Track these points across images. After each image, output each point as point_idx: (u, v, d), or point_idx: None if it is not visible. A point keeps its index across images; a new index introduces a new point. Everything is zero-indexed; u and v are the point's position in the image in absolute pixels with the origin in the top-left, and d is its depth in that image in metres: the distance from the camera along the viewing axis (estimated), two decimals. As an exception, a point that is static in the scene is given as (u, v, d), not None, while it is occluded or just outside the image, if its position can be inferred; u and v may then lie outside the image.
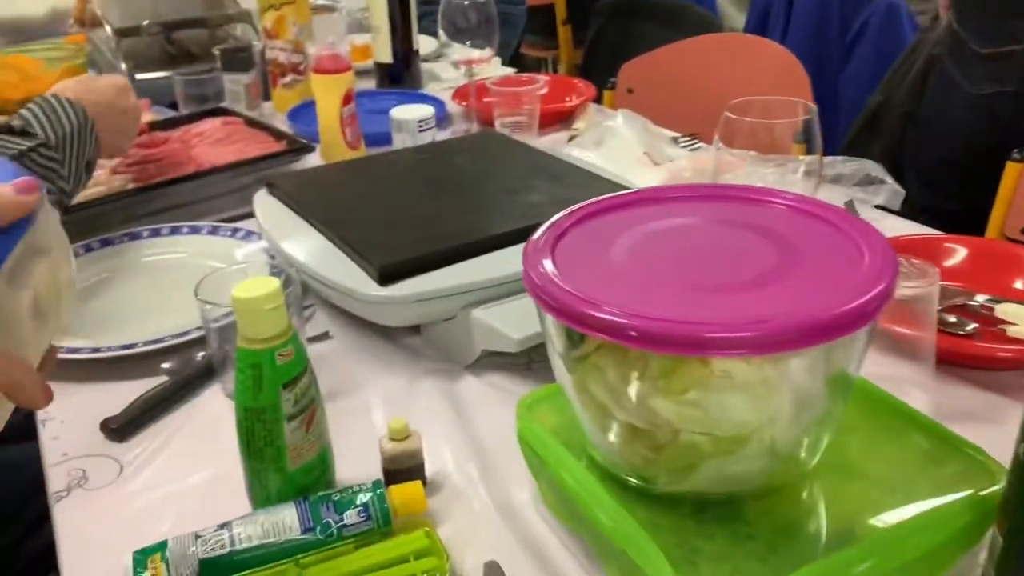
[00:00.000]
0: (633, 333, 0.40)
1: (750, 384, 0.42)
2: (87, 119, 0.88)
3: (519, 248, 0.80)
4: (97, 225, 0.99)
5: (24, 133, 0.80)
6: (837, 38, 2.19)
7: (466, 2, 1.25)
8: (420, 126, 1.14)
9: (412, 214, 0.83)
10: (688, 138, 1.23)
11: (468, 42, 1.28)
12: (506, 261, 0.75)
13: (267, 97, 1.47)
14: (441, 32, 1.29)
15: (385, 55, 1.52)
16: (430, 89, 1.56)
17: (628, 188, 0.85)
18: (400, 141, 1.15)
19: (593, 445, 0.50)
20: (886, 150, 1.63)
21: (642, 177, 0.97)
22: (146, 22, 1.45)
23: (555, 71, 3.91)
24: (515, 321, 0.70)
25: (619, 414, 0.45)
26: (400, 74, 1.54)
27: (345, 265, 0.75)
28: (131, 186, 1.03)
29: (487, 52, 1.28)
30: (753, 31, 2.38)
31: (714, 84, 1.56)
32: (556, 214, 0.79)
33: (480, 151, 0.99)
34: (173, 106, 1.43)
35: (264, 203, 0.89)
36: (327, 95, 1.18)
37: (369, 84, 1.56)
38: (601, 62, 2.23)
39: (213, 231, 0.98)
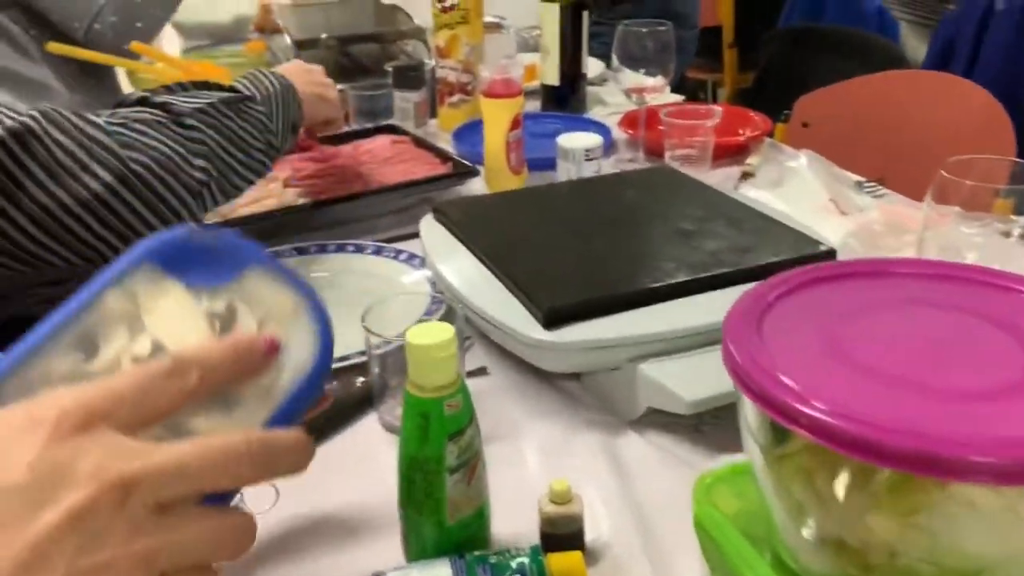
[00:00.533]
0: (858, 442, 0.35)
1: (993, 512, 0.36)
2: (288, 83, 0.92)
3: (694, 299, 0.76)
4: (267, 237, 1.02)
5: (232, 90, 0.84)
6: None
7: (644, 29, 1.21)
8: (587, 155, 1.11)
9: (580, 252, 0.80)
10: (873, 184, 1.14)
11: (642, 70, 1.24)
12: (680, 313, 0.70)
13: (434, 114, 1.48)
14: (614, 58, 1.26)
15: (552, 77, 1.50)
16: (595, 113, 1.53)
17: (818, 241, 0.79)
18: (565, 170, 1.12)
19: (784, 545, 0.45)
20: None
21: (828, 227, 0.89)
22: (324, 35, 1.49)
23: (715, 95, 3.81)
24: (687, 380, 0.65)
25: (825, 524, 0.40)
26: (566, 97, 1.52)
27: (509, 303, 0.73)
28: (301, 200, 1.05)
29: (660, 81, 1.24)
30: (934, 63, 2.22)
31: (900, 124, 1.45)
32: (737, 263, 0.75)
33: (652, 187, 0.95)
34: (344, 118, 1.46)
35: (430, 229, 0.88)
36: (495, 119, 1.16)
37: (533, 105, 1.54)
38: (772, 91, 2.14)
39: (377, 251, 0.98)
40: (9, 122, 0.62)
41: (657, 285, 0.72)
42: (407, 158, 1.17)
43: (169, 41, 2.01)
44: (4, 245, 0.63)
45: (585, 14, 1.48)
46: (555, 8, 1.45)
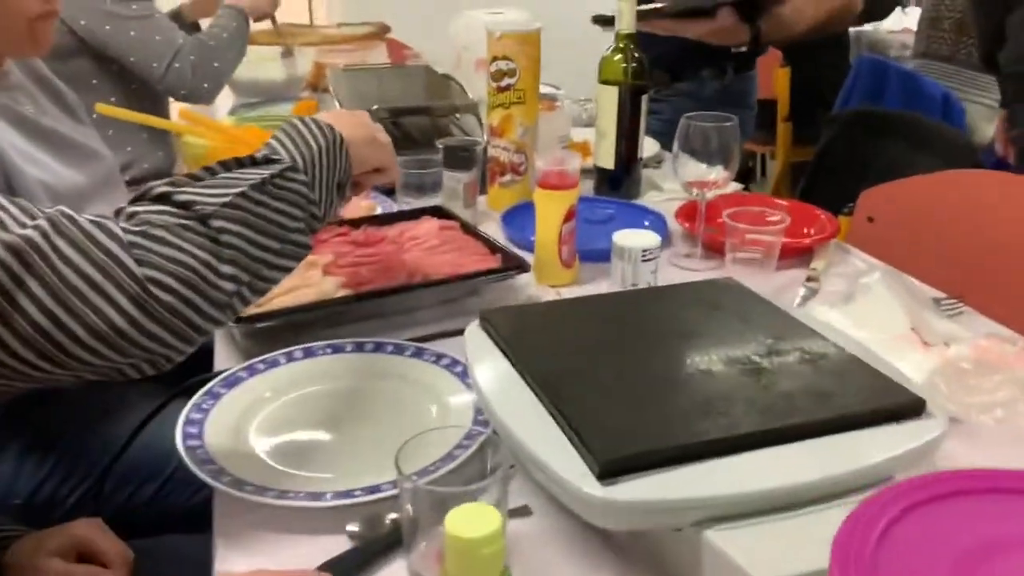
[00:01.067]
0: None
1: None
2: (335, 135, 0.81)
3: (769, 453, 0.69)
4: (303, 330, 0.96)
5: (268, 161, 0.75)
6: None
7: (709, 124, 1.15)
8: (644, 255, 1.05)
9: (640, 386, 0.73)
10: (952, 301, 1.06)
11: (704, 164, 1.18)
12: (754, 469, 0.62)
13: (483, 191, 1.43)
14: (675, 147, 1.19)
15: (607, 161, 1.45)
16: (650, 199, 1.47)
17: (906, 388, 0.71)
18: (620, 269, 1.06)
19: None
20: None
21: (910, 361, 0.82)
22: (375, 107, 1.45)
23: (764, 167, 3.74)
24: (761, 553, 0.57)
25: None
26: (620, 180, 1.46)
27: (559, 444, 0.66)
28: (341, 291, 1.00)
29: (723, 175, 1.17)
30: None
31: (976, 228, 1.37)
32: (816, 412, 0.65)
33: (717, 304, 0.87)
34: (390, 191, 1.41)
35: (476, 341, 0.82)
36: (549, 210, 1.11)
37: (585, 186, 1.48)
38: (831, 176, 2.07)
39: (418, 353, 0.92)
40: (9, 237, 0.56)
41: (727, 435, 0.65)
42: (454, 246, 1.11)
43: (220, 98, 2.00)
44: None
45: (644, 98, 1.42)
46: (613, 91, 1.40)
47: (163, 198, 0.67)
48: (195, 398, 0.83)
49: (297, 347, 0.92)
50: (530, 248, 1.25)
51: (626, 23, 1.38)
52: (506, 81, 1.35)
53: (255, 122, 1.67)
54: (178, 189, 0.67)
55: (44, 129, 1.13)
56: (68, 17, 1.73)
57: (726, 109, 1.96)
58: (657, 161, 1.64)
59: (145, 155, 1.90)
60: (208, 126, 1.47)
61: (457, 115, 1.60)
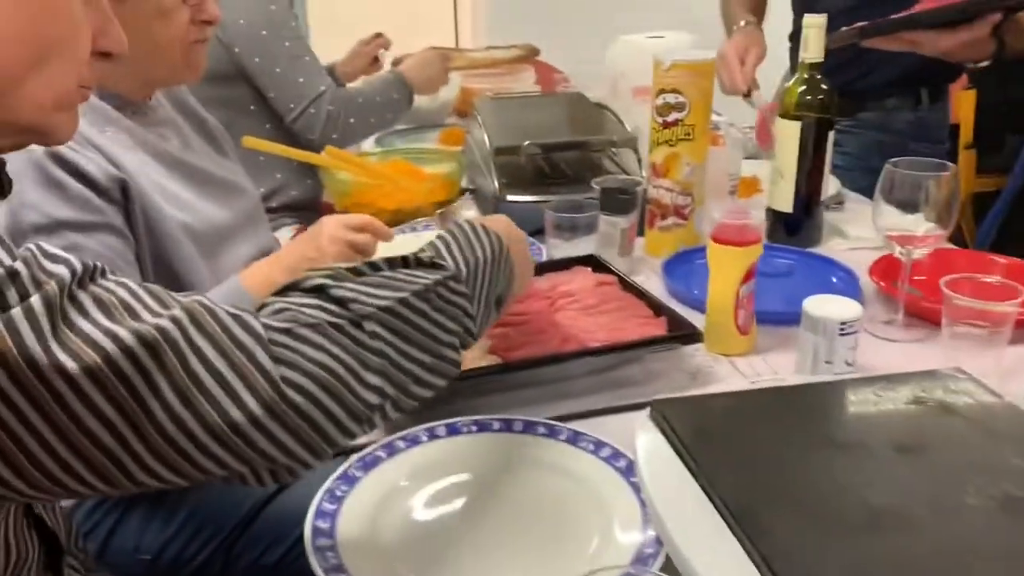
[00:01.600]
0: None
1: None
2: (502, 248, 0.75)
3: None
4: (445, 399, 0.86)
5: (433, 265, 0.67)
6: None
7: (921, 173, 0.97)
8: (842, 329, 0.88)
9: (857, 517, 0.58)
10: None
11: (909, 215, 1.01)
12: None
13: (639, 232, 1.29)
14: (877, 194, 1.02)
15: (785, 203, 1.28)
16: (832, 247, 1.29)
17: None
18: (811, 345, 0.90)
19: None
20: None
21: None
22: (526, 142, 1.35)
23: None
24: None
25: None
26: (799, 225, 1.29)
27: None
28: (488, 358, 0.89)
29: (936, 233, 0.99)
30: None
31: None
32: None
33: (948, 408, 0.71)
34: (538, 232, 1.30)
35: (648, 441, 0.69)
36: (725, 269, 0.96)
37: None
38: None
39: (573, 439, 0.80)
40: (141, 327, 0.48)
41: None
42: (612, 307, 0.99)
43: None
44: (114, 474, 0.49)
45: (831, 134, 1.26)
46: (795, 126, 1.24)
47: (319, 290, 0.59)
48: (329, 483, 0.74)
49: (440, 423, 0.82)
50: (695, 305, 1.11)
51: (813, 51, 1.22)
52: (673, 116, 1.21)
53: (401, 155, 1.60)
54: (337, 283, 0.60)
55: (189, 166, 1.08)
56: (227, 42, 1.72)
57: (918, 143, 1.77)
58: (838, 202, 1.45)
59: (293, 183, 1.87)
60: (353, 163, 1.41)
61: (614, 150, 1.48)
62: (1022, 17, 1.31)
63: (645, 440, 0.69)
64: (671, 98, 1.21)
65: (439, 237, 0.72)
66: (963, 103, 2.76)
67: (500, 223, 0.79)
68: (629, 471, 0.74)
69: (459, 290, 0.66)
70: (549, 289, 1.04)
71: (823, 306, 0.90)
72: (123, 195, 0.95)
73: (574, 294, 1.01)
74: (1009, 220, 1.89)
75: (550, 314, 0.98)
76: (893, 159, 1.01)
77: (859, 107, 1.69)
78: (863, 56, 1.48)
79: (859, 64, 1.64)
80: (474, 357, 0.89)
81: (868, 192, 1.63)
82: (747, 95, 1.61)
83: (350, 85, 1.99)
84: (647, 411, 0.72)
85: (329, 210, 2.01)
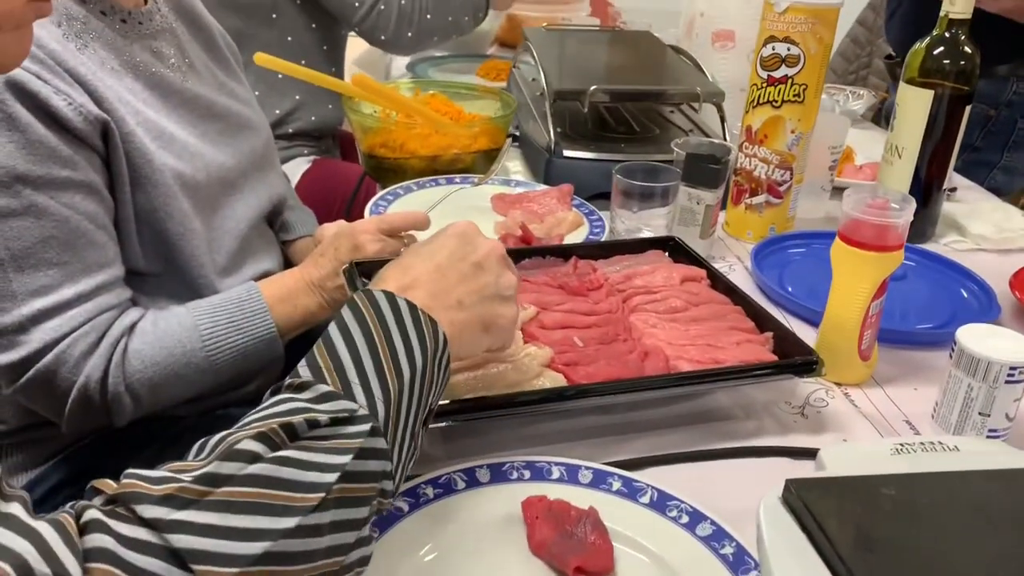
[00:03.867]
0: None
1: None
2: (439, 345, 0.53)
3: None
4: (479, 429, 0.66)
5: (337, 422, 0.45)
6: None
7: None
8: (1011, 376, 0.68)
9: None
10: None
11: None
12: None
13: (722, 206, 1.08)
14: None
15: (899, 188, 1.06)
16: (949, 246, 1.08)
17: None
18: (965, 389, 0.69)
19: None
20: None
21: None
22: (592, 87, 1.12)
23: None
24: None
25: None
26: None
27: None
28: (547, 374, 0.68)
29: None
30: None
31: None
32: None
33: None
34: (601, 196, 1.09)
35: (781, 537, 0.49)
36: (855, 279, 0.75)
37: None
38: None
39: (660, 503, 0.60)
40: None
41: None
42: (704, 311, 0.78)
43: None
44: None
45: (968, 109, 1.03)
46: (925, 95, 1.01)
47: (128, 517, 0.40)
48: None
49: (482, 463, 0.62)
50: (792, 308, 0.91)
51: (961, 5, 0.98)
52: (783, 71, 0.98)
53: (439, 88, 1.37)
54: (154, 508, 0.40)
55: (190, 96, 0.87)
56: None
57: (1024, 119, 1.53)
58: (951, 188, 1.23)
59: (312, 105, 1.62)
60: (384, 96, 1.19)
61: (694, 105, 1.25)
62: None
63: (777, 537, 0.49)
64: (783, 48, 0.97)
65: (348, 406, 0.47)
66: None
67: (449, 243, 0.59)
68: (738, 563, 0.55)
69: (375, 449, 0.46)
70: (622, 280, 0.83)
71: (984, 341, 0.69)
72: (104, 140, 0.74)
73: (655, 291, 0.80)
74: None
75: (624, 315, 0.78)
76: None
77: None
78: (976, 13, 1.24)
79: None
80: (527, 368, 0.68)
81: (970, 173, 1.42)
82: None
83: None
84: (778, 492, 0.52)
85: (352, 141, 1.78)
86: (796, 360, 0.71)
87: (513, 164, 1.30)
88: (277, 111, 1.57)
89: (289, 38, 1.55)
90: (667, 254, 0.91)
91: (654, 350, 0.73)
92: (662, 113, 1.30)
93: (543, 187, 1.13)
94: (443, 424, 0.63)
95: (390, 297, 0.52)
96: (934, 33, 1.01)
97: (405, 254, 0.60)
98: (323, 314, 0.86)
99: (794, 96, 0.99)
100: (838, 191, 1.19)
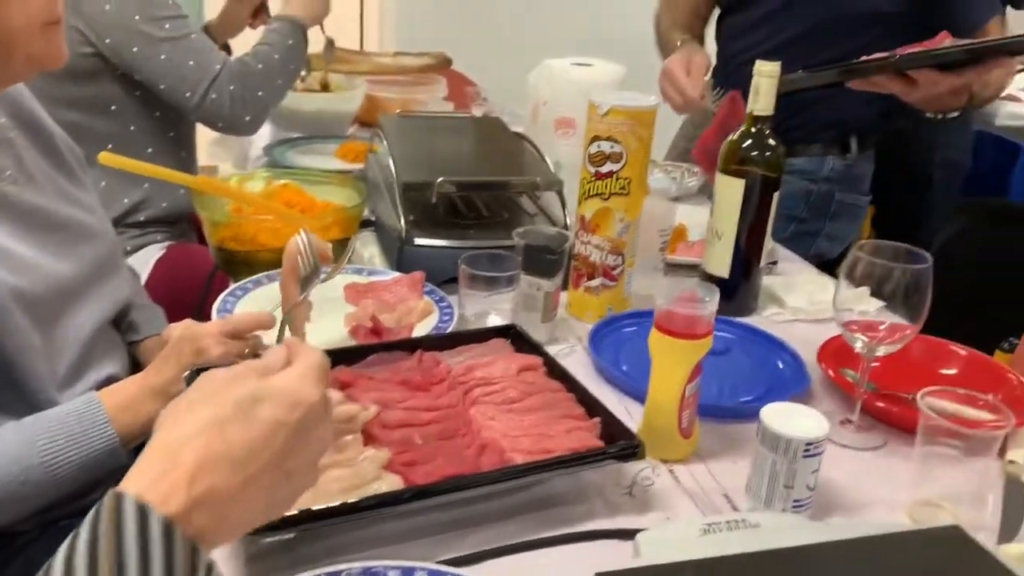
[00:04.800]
0: None
1: None
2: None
3: None
4: (313, 535, 0.68)
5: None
6: None
7: (895, 265, 0.85)
8: (807, 451, 0.75)
9: None
10: None
11: (872, 306, 0.89)
12: None
13: (564, 286, 1.14)
14: (841, 277, 0.90)
15: (721, 268, 1.16)
16: (770, 319, 1.18)
17: None
18: (770, 465, 0.76)
19: None
20: None
21: None
22: (439, 179, 1.17)
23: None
24: None
25: None
26: (735, 291, 1.17)
27: None
28: (386, 477, 0.71)
29: (907, 328, 0.88)
30: None
31: None
32: None
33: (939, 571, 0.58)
34: (454, 280, 1.13)
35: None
36: (670, 364, 0.82)
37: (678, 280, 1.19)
38: (952, 274, 1.75)
39: (490, 598, 0.63)
40: None
41: None
42: (539, 403, 0.83)
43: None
44: None
45: (776, 194, 1.14)
46: (738, 184, 1.12)
47: None
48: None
49: (320, 571, 0.64)
50: (626, 387, 0.97)
51: (763, 103, 1.10)
52: (608, 167, 1.06)
53: (291, 177, 1.40)
54: None
55: (25, 208, 0.87)
56: (93, 35, 1.47)
57: (844, 193, 1.69)
58: (772, 262, 1.34)
59: (162, 192, 1.61)
60: (230, 192, 1.21)
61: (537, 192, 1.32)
62: (986, 70, 1.25)
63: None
64: (607, 147, 1.06)
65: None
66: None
67: (220, 418, 0.49)
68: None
69: None
70: (464, 372, 0.87)
71: (784, 420, 0.77)
72: None
73: (494, 382, 0.85)
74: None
75: (465, 409, 0.82)
76: (860, 242, 0.89)
77: (788, 151, 1.59)
78: (793, 98, 1.38)
79: (788, 107, 1.55)
80: (365, 473, 0.71)
81: (794, 244, 1.56)
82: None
83: (237, 50, 1.73)
84: (591, 583, 0.56)
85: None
86: (619, 446, 0.76)
87: (369, 250, 1.33)
88: (126, 200, 1.56)
89: (132, 127, 1.55)
90: (510, 341, 0.96)
91: (491, 443, 0.77)
92: (511, 198, 1.37)
93: (395, 275, 1.17)
94: (282, 536, 0.65)
95: (140, 512, 0.44)
96: (742, 128, 1.12)
97: (176, 402, 0.52)
98: None
99: (620, 189, 1.07)
100: (672, 267, 1.29)
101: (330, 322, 1.04)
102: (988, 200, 1.91)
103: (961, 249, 1.78)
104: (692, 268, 1.26)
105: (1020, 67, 1.43)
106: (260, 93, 1.57)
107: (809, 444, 0.75)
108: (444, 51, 2.21)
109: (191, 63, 1.50)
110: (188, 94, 1.51)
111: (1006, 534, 0.78)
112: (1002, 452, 0.80)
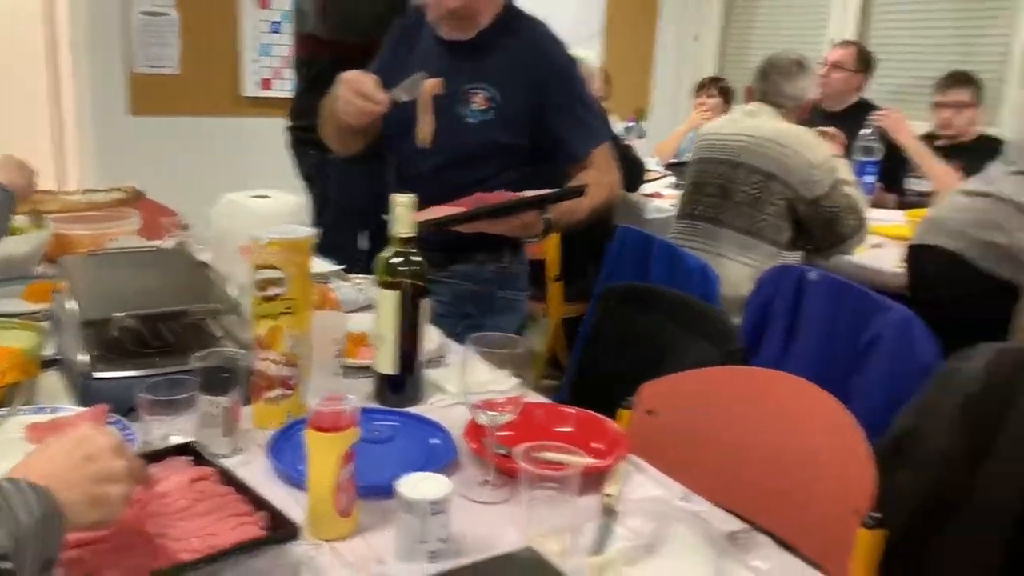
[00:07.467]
0: None
1: None
2: (50, 508, 0.73)
3: None
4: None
5: None
6: (845, 349, 2.09)
7: (503, 350, 1.08)
8: (433, 509, 0.94)
9: None
10: (748, 530, 1.04)
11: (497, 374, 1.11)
12: None
13: (247, 401, 1.27)
14: (463, 367, 1.12)
15: (388, 366, 1.35)
16: (435, 404, 1.37)
17: None
18: (407, 525, 0.94)
19: None
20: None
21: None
22: (118, 314, 1.26)
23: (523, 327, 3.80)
24: None
25: None
26: (402, 385, 1.36)
27: None
28: (58, 593, 0.79)
29: (516, 393, 1.10)
30: (749, 335, 2.29)
31: (751, 425, 1.40)
32: None
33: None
34: (133, 411, 1.21)
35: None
36: (322, 456, 0.98)
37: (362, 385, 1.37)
38: (602, 349, 2.09)
39: None
40: None
41: None
42: (210, 507, 0.94)
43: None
44: None
45: (425, 301, 1.35)
46: (393, 295, 1.32)
47: None
48: None
49: None
50: (301, 484, 1.10)
51: (404, 226, 1.32)
52: (273, 291, 1.22)
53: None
54: None
55: None
56: None
57: (504, 290, 1.97)
58: (440, 356, 1.56)
59: None
60: None
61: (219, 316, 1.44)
62: (565, 204, 1.64)
63: None
64: (269, 274, 1.22)
65: None
66: (549, 244, 3.17)
67: (54, 453, 0.74)
68: None
69: (3, 568, 0.60)
70: (141, 491, 0.96)
71: (416, 487, 0.95)
72: None
73: (167, 495, 0.95)
74: (586, 356, 2.17)
75: (140, 522, 0.91)
76: (473, 335, 1.11)
77: (452, 260, 1.86)
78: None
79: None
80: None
81: (465, 338, 1.78)
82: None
83: None
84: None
85: None
86: (278, 532, 0.90)
87: (54, 384, 1.37)
88: None
89: None
90: (192, 459, 1.06)
91: (163, 547, 0.87)
92: (196, 324, 1.47)
93: (78, 409, 1.23)
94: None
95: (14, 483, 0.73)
96: (392, 248, 1.33)
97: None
98: None
99: (286, 309, 1.23)
100: (350, 370, 1.45)
101: (13, 463, 1.08)
102: (627, 285, 2.29)
103: (608, 328, 2.13)
104: (367, 369, 1.43)
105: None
106: None
107: (433, 503, 0.94)
108: (134, 184, 2.27)
109: None
110: None
111: (596, 550, 1.00)
112: (601, 487, 1.04)
